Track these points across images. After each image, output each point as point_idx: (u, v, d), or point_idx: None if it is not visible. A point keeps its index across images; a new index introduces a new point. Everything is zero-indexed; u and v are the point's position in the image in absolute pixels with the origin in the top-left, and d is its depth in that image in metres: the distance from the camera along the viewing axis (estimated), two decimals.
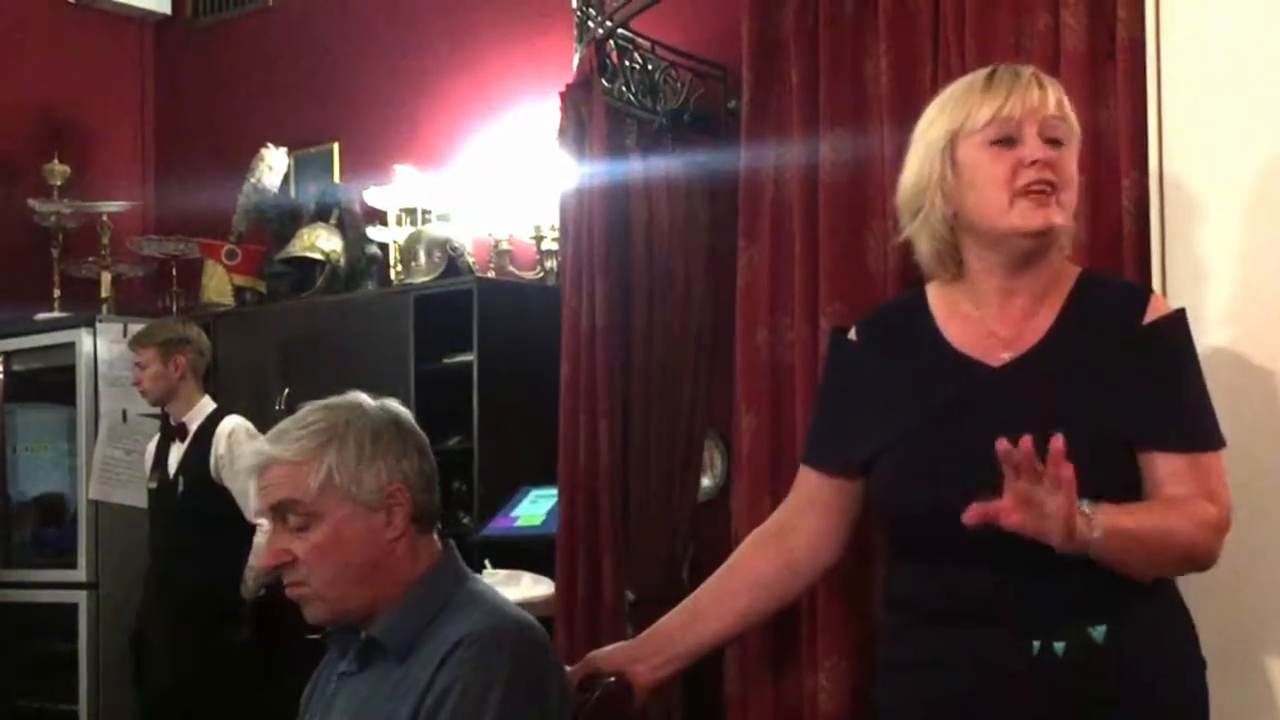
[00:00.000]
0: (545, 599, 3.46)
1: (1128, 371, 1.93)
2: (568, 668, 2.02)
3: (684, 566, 3.48)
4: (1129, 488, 1.90)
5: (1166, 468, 1.91)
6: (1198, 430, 1.94)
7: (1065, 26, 2.60)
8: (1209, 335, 2.34)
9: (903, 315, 2.09)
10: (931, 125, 2.02)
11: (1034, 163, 1.92)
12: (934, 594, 1.97)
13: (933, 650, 1.96)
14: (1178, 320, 1.98)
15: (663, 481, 3.44)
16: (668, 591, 3.15)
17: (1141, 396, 1.92)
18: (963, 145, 1.97)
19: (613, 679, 2.06)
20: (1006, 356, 1.97)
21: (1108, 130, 2.56)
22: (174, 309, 5.44)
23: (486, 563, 3.82)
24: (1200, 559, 1.90)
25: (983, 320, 2.00)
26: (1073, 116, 1.99)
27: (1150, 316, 1.97)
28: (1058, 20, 2.61)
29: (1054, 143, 1.94)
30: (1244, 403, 2.28)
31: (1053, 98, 1.96)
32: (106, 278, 5.52)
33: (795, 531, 2.12)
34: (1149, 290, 2.00)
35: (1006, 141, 1.94)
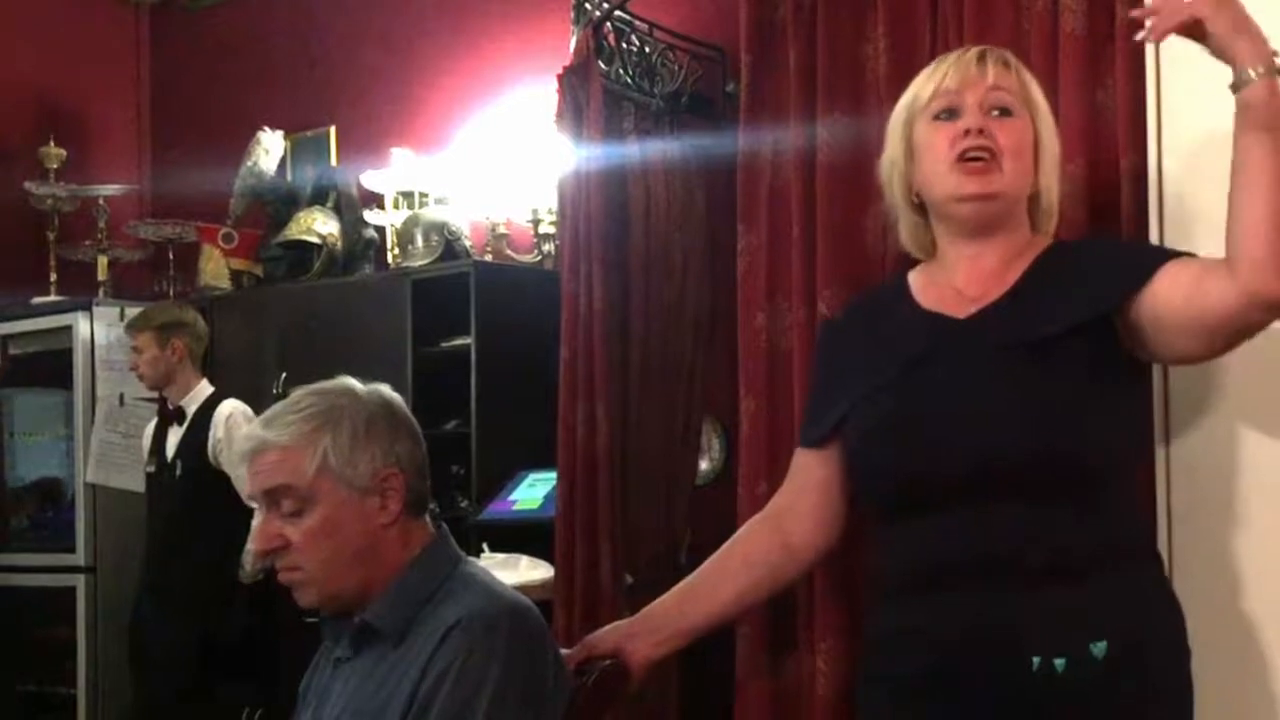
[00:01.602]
0: (543, 582, 3.46)
1: (1094, 274, 1.98)
2: (565, 650, 2.02)
3: (682, 550, 3.48)
4: (1133, 382, 1.96)
5: (1182, 272, 1.92)
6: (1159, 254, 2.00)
7: (1064, 7, 2.59)
8: None
9: (884, 294, 2.15)
10: (896, 109, 2.11)
11: (968, 131, 1.97)
12: (906, 559, 1.98)
13: (899, 621, 1.98)
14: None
15: (660, 465, 3.44)
16: (665, 575, 3.15)
17: (1113, 267, 1.98)
18: (916, 124, 2.05)
19: (610, 661, 2.06)
20: (973, 309, 2.01)
21: (1106, 111, 2.55)
22: (171, 293, 5.44)
23: (484, 546, 3.83)
24: None
25: (950, 283, 2.05)
26: (1029, 90, 2.04)
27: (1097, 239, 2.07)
28: (1056, 1, 2.60)
29: (1002, 112, 2.00)
30: (1245, 385, 2.28)
31: (992, 71, 2.00)
32: (103, 261, 5.51)
33: (791, 514, 2.13)
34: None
35: (948, 114, 2.01)
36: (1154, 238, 2.39)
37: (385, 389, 1.95)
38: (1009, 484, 1.87)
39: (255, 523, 4.04)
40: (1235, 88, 1.83)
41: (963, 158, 1.98)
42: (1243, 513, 2.27)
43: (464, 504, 4.27)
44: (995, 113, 2.00)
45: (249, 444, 1.89)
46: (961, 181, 1.98)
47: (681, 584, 2.18)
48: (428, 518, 1.97)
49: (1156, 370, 2.37)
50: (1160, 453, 2.36)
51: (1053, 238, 2.11)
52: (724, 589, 2.15)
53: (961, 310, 2.01)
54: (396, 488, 1.89)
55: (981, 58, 2.02)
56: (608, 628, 2.16)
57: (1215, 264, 1.88)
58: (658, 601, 2.16)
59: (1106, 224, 2.54)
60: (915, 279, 2.11)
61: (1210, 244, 2.33)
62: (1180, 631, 1.99)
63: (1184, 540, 2.31)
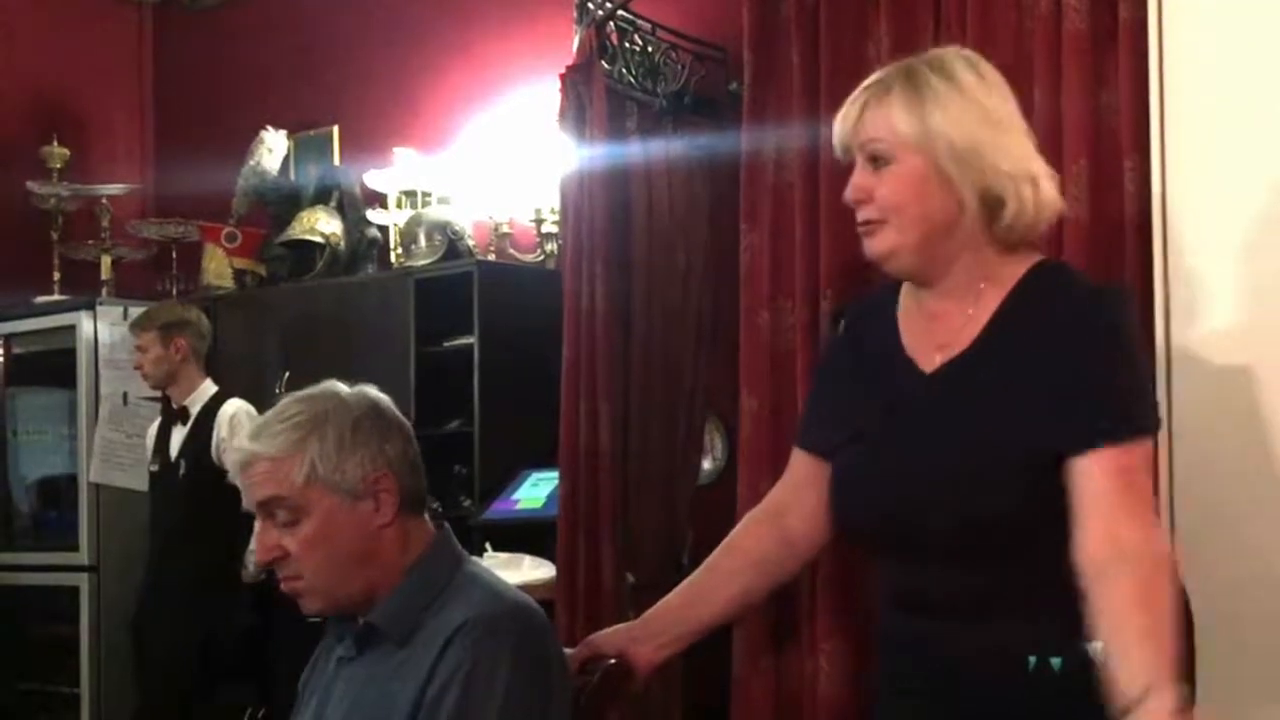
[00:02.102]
0: (546, 582, 3.46)
1: (1043, 377, 1.81)
2: (568, 650, 2.02)
3: (684, 549, 3.48)
4: (1053, 501, 1.78)
5: (1086, 472, 1.76)
6: (1110, 420, 1.77)
7: (1067, 7, 2.59)
8: (1214, 317, 2.34)
9: (877, 308, 2.04)
10: None
11: (854, 202, 1.88)
12: (892, 591, 1.99)
13: (899, 634, 1.98)
14: (1103, 300, 1.84)
15: (663, 464, 3.44)
16: (668, 574, 3.15)
17: (1055, 402, 1.79)
18: None
19: (614, 660, 2.06)
20: (939, 360, 1.91)
21: (1110, 112, 2.55)
22: (174, 292, 5.44)
23: (487, 546, 3.83)
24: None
25: (927, 319, 1.94)
26: (896, 122, 1.83)
27: (1063, 309, 1.83)
28: (1059, 2, 2.61)
29: (878, 163, 1.85)
30: (1248, 386, 2.28)
31: (866, 119, 1.86)
32: (106, 261, 5.52)
33: (790, 511, 2.13)
34: (1079, 279, 1.88)
35: (852, 170, 1.90)
36: (1157, 240, 2.40)
37: (372, 390, 1.94)
38: (943, 547, 1.87)
39: (258, 524, 4.05)
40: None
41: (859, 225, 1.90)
42: (1243, 513, 2.27)
43: (467, 503, 4.27)
44: (873, 165, 1.86)
45: (239, 455, 1.89)
46: (866, 247, 1.90)
47: (684, 584, 2.17)
48: (427, 516, 1.96)
49: (1158, 369, 2.37)
50: (1162, 452, 2.37)
51: (1037, 252, 1.93)
52: (728, 589, 2.14)
53: (929, 360, 1.92)
54: (389, 488, 1.88)
55: (864, 105, 1.87)
56: (611, 630, 2.16)
57: (1084, 517, 1.76)
58: (661, 603, 2.16)
59: (1110, 225, 2.54)
60: (904, 299, 2.00)
61: (1212, 245, 2.34)
62: None
63: (1184, 539, 2.32)
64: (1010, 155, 1.83)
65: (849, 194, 1.87)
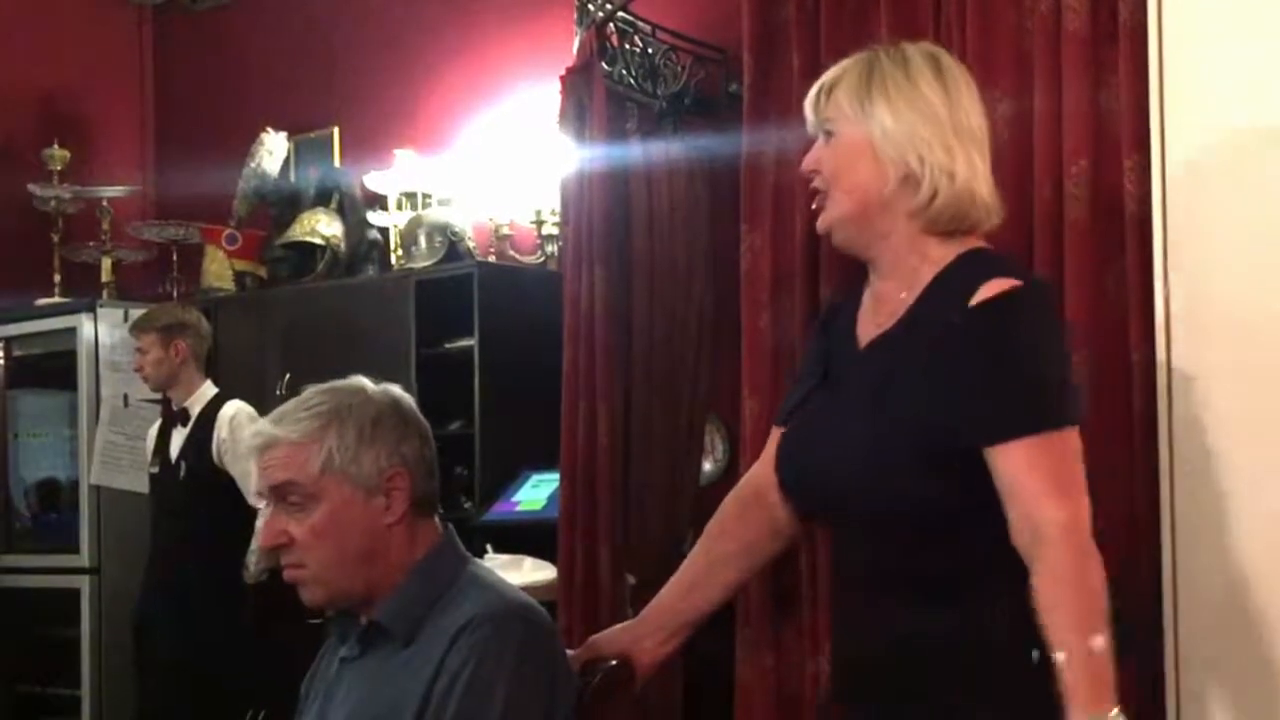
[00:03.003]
0: (547, 583, 3.47)
1: (949, 365, 1.86)
2: (570, 652, 2.02)
3: (685, 550, 3.48)
4: (971, 488, 1.83)
5: (1002, 464, 1.81)
6: (1018, 414, 1.82)
7: (1067, 8, 2.60)
8: (1213, 316, 2.34)
9: (854, 295, 2.11)
10: None
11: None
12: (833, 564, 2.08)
13: (839, 608, 2.09)
14: (1004, 301, 1.87)
15: (664, 466, 3.44)
16: (668, 575, 3.15)
17: (961, 390, 1.84)
18: None
19: (615, 662, 2.06)
20: (873, 335, 1.99)
21: (1109, 112, 2.56)
22: (174, 294, 5.44)
23: (488, 547, 3.83)
24: (1096, 564, 1.79)
25: (874, 299, 2.03)
26: (844, 100, 1.96)
27: (978, 299, 1.87)
28: (1059, 2, 2.61)
29: (828, 135, 1.99)
30: (1248, 385, 2.28)
31: (821, 96, 2.00)
32: (107, 263, 5.52)
33: (770, 487, 2.14)
34: (990, 273, 1.90)
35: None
36: (1158, 238, 2.40)
37: (396, 389, 1.96)
38: (864, 523, 1.95)
39: (260, 521, 4.05)
40: None
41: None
42: (1243, 513, 2.27)
43: (468, 505, 4.27)
44: (826, 139, 1.99)
45: (258, 439, 1.91)
46: (818, 222, 2.02)
47: (677, 576, 2.19)
48: (437, 519, 1.97)
49: (1159, 367, 2.37)
50: (1163, 452, 2.37)
51: (976, 241, 1.98)
52: (723, 575, 2.16)
53: (866, 335, 2.00)
54: (402, 487, 1.89)
55: (824, 87, 2.01)
56: (611, 630, 2.17)
57: (1007, 507, 1.81)
58: (658, 598, 2.17)
59: (1111, 223, 2.54)
60: (871, 281, 2.08)
61: (1214, 241, 2.34)
62: None
63: (1184, 540, 2.32)
64: (933, 148, 1.92)
65: (804, 164, 2.01)
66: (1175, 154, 2.39)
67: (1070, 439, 1.83)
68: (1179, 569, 2.32)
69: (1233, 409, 2.29)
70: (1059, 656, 1.73)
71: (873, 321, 2.00)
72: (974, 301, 1.86)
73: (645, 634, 2.12)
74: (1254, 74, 2.35)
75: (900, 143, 1.92)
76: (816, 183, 1.99)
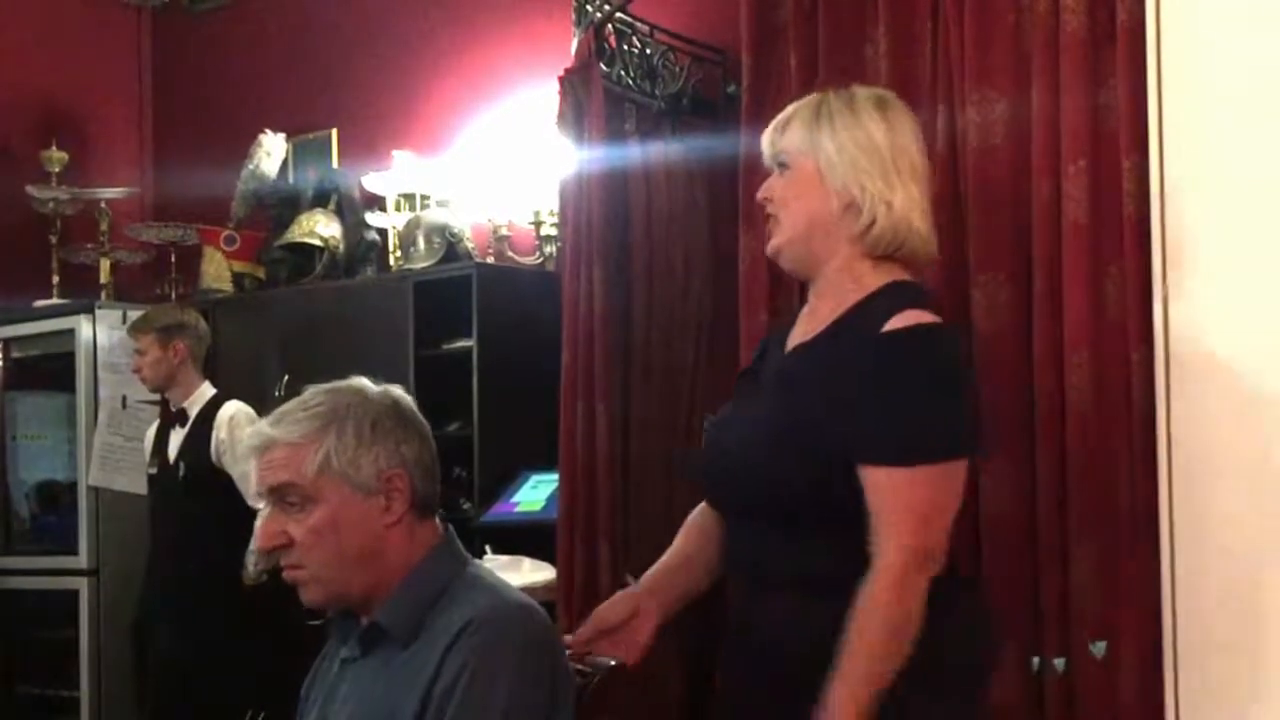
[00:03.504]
0: (546, 584, 3.46)
1: (852, 384, 2.00)
2: (567, 637, 2.05)
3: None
4: (848, 496, 1.96)
5: (870, 483, 1.96)
6: (892, 442, 1.96)
7: (1065, 8, 2.60)
8: (1209, 317, 2.35)
9: (789, 321, 2.27)
10: None
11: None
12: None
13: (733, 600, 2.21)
14: (910, 334, 2.01)
15: (662, 466, 3.44)
16: None
17: (852, 406, 1.98)
18: None
19: (614, 662, 2.07)
20: (797, 343, 2.15)
21: (1108, 112, 2.56)
22: (173, 295, 5.44)
23: (487, 548, 3.82)
24: (912, 614, 1.93)
25: (809, 312, 2.18)
26: (796, 134, 2.13)
27: (890, 326, 2.02)
28: (1057, 3, 2.61)
29: (780, 166, 2.16)
30: (1247, 386, 2.28)
31: (777, 133, 2.17)
32: (105, 264, 5.52)
33: None
34: (908, 305, 2.04)
35: None
36: (1156, 239, 2.40)
37: (396, 390, 1.97)
38: (748, 508, 2.11)
39: (259, 521, 4.05)
40: None
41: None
42: (1242, 514, 2.27)
43: (466, 506, 4.27)
44: (779, 170, 2.17)
45: (257, 440, 1.91)
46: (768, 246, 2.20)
47: (671, 550, 2.29)
48: (437, 520, 1.97)
49: (1158, 367, 2.38)
50: (1161, 453, 2.37)
51: (905, 273, 2.13)
52: (709, 556, 2.25)
53: (792, 344, 2.16)
54: (401, 488, 1.89)
55: (780, 124, 2.18)
56: (616, 597, 2.23)
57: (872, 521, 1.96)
58: (656, 567, 2.27)
59: (1110, 224, 2.54)
60: (809, 299, 2.23)
61: (1212, 242, 2.34)
62: None
63: (1183, 540, 2.32)
64: (873, 177, 2.09)
65: (758, 194, 2.19)
66: (1174, 155, 2.39)
67: (943, 474, 1.97)
68: (1177, 569, 2.32)
69: (1231, 410, 2.30)
70: (836, 673, 1.89)
71: (800, 332, 2.15)
72: (886, 328, 2.01)
73: (648, 596, 2.20)
74: (1252, 74, 2.35)
75: (843, 172, 2.09)
76: (770, 209, 2.16)
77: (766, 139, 2.19)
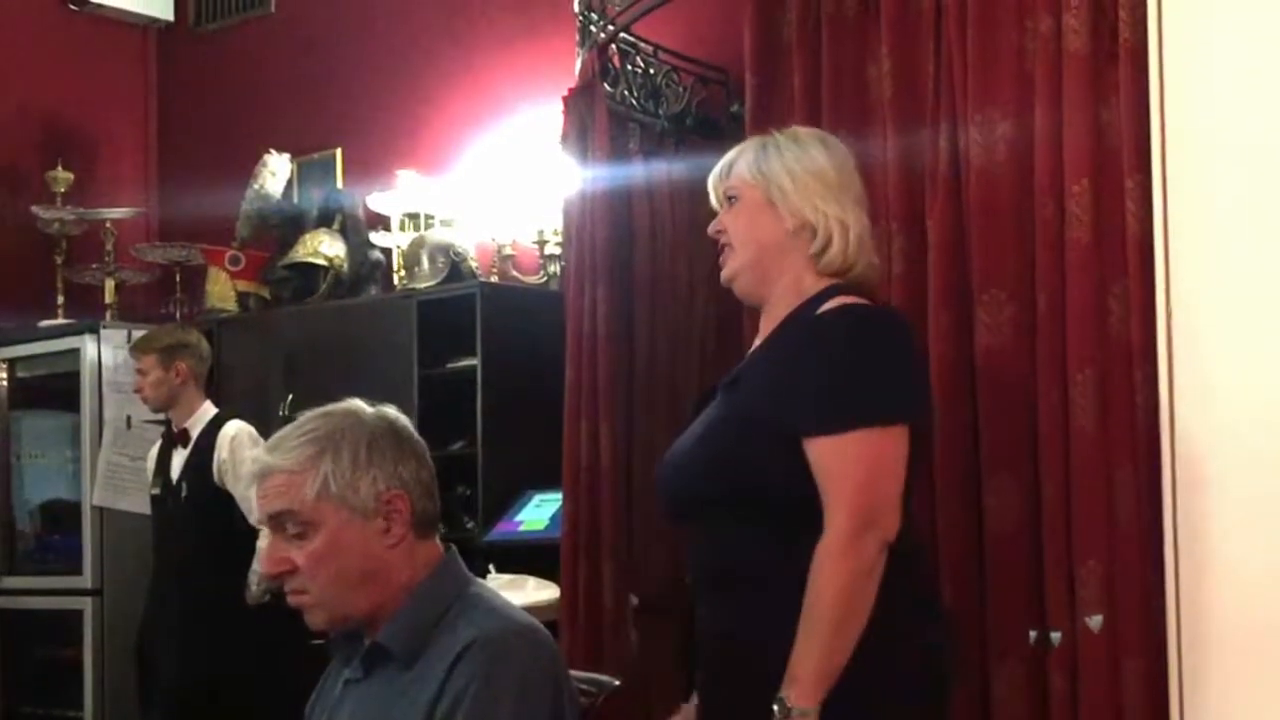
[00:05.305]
0: (550, 603, 3.46)
1: (793, 368, 2.09)
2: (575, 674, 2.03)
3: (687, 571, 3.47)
4: (781, 485, 2.04)
5: (815, 456, 2.03)
6: (833, 410, 2.03)
7: (1068, 28, 2.60)
8: (1213, 334, 2.34)
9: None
10: None
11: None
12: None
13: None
14: (841, 311, 2.11)
15: None
16: (671, 596, 3.15)
17: (792, 385, 2.07)
18: None
19: (618, 683, 2.07)
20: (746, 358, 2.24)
21: (1110, 132, 2.56)
22: (177, 315, 5.45)
23: (491, 567, 3.82)
24: (861, 574, 1.98)
25: (758, 334, 2.26)
26: (744, 169, 2.24)
27: (822, 309, 2.12)
28: (1060, 23, 2.61)
29: (731, 200, 2.26)
30: (1249, 403, 2.28)
31: (719, 170, 2.28)
32: (110, 284, 5.52)
33: None
34: (840, 294, 2.15)
35: None
36: (1159, 257, 2.40)
37: (391, 410, 1.96)
38: (696, 509, 2.18)
39: (261, 544, 4.05)
40: None
41: None
42: (1243, 517, 2.27)
43: (470, 525, 4.27)
44: (729, 204, 2.26)
45: (255, 467, 1.90)
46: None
47: None
48: (438, 539, 1.97)
49: (1161, 386, 2.38)
50: (1165, 473, 2.37)
51: (847, 289, 2.19)
52: None
53: (744, 359, 2.25)
54: (401, 509, 1.89)
55: (728, 162, 2.28)
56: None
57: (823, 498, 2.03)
58: None
59: (1113, 243, 2.54)
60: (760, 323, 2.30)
61: (1215, 261, 2.34)
62: None
63: (1184, 540, 2.32)
64: (826, 201, 2.19)
65: (709, 229, 2.28)
66: (1177, 174, 2.39)
67: (881, 438, 2.03)
68: (1181, 578, 2.31)
69: (1233, 423, 2.29)
70: (795, 644, 1.96)
71: (751, 348, 2.25)
72: (819, 311, 2.12)
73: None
74: (1255, 94, 2.35)
75: (796, 198, 2.19)
76: (722, 240, 2.25)
77: (712, 181, 2.29)
